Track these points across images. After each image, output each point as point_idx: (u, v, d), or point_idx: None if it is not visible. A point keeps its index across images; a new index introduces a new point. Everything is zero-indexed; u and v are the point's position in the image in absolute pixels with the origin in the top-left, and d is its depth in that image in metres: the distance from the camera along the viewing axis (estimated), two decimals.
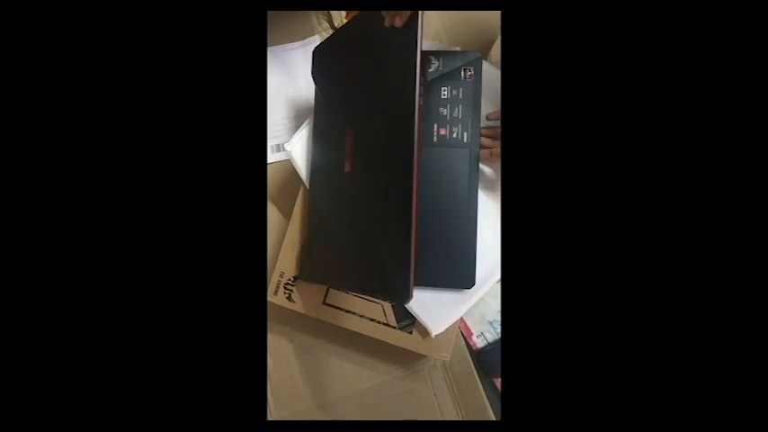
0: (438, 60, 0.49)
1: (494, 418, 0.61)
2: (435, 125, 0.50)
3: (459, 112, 0.50)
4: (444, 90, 0.44)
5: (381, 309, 0.63)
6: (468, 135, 0.51)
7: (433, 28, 0.63)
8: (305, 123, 0.57)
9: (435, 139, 0.52)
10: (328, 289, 0.62)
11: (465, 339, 0.64)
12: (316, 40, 0.64)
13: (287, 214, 0.63)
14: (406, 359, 0.63)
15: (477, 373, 0.63)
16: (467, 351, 0.63)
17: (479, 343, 0.64)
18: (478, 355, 0.63)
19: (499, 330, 0.64)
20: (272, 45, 0.63)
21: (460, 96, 0.50)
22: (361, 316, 0.62)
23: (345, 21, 0.64)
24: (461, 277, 0.56)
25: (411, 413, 0.61)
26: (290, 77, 0.62)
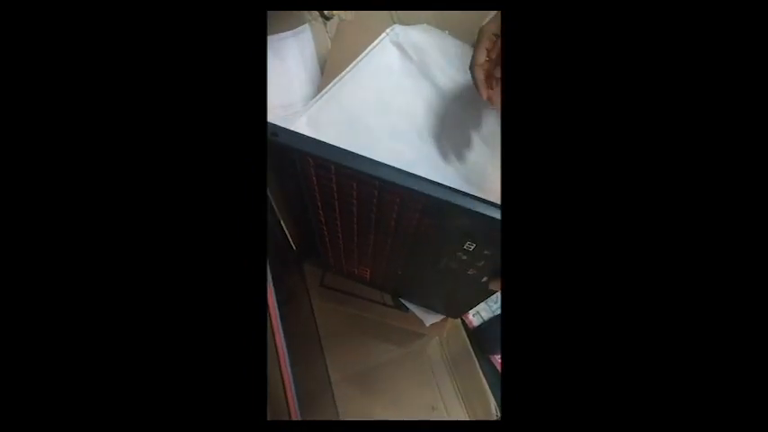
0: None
1: (490, 394, 0.62)
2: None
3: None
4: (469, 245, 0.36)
5: (378, 291, 0.64)
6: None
7: (423, 17, 0.64)
8: (300, 114, 0.58)
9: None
10: (325, 271, 0.64)
11: (461, 318, 0.65)
12: (306, 30, 0.65)
13: None
14: (402, 339, 0.64)
15: (474, 350, 0.64)
16: (463, 329, 0.65)
17: (475, 321, 0.65)
18: (475, 333, 0.65)
19: (494, 308, 0.65)
20: None
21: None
22: (357, 297, 0.64)
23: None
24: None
25: (409, 392, 0.63)
26: (281, 66, 0.64)
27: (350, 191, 0.34)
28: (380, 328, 0.64)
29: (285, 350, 0.45)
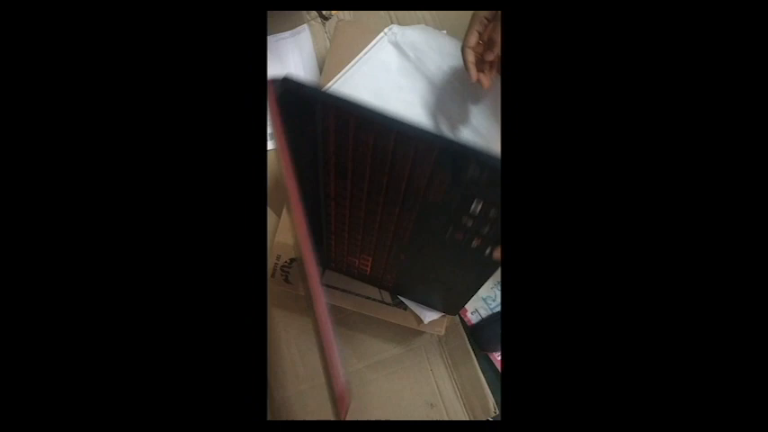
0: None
1: (489, 392, 0.62)
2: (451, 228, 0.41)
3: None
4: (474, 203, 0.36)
5: (377, 288, 0.64)
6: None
7: (420, 15, 0.65)
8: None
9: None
10: (324, 270, 0.64)
11: (460, 316, 0.65)
12: (305, 30, 0.66)
13: (275, 206, 0.65)
14: (401, 336, 0.64)
15: (472, 347, 0.64)
16: (461, 327, 0.65)
17: (474, 319, 0.65)
18: (473, 331, 0.65)
19: (493, 306, 0.65)
20: None
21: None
22: (357, 295, 0.64)
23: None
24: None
25: (407, 389, 0.63)
26: (281, 66, 0.65)
27: (365, 150, 0.35)
28: (379, 325, 0.64)
29: (334, 342, 0.45)
